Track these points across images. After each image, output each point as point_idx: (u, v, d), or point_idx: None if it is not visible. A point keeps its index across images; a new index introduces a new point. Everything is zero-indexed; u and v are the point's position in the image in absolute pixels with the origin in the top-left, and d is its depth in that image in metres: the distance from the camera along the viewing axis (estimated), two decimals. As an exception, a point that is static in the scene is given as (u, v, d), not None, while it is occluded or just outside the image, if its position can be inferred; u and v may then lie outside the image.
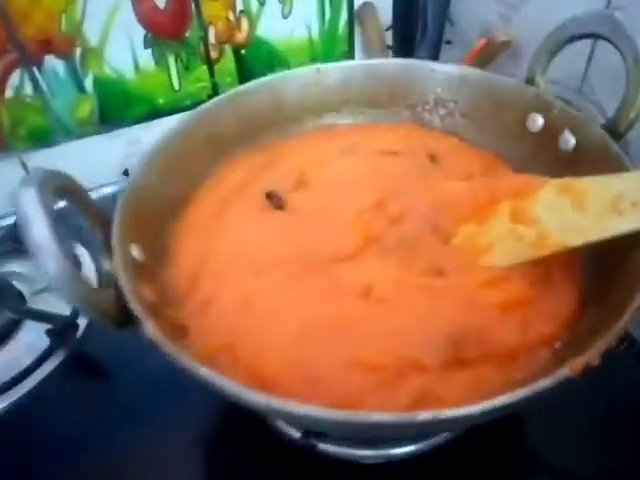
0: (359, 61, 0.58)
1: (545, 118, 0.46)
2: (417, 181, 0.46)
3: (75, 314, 0.52)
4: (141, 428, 0.46)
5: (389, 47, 0.78)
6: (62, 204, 0.34)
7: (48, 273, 0.27)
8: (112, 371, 0.52)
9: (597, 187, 0.35)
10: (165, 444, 0.44)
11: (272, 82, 0.52)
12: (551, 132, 0.45)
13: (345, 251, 0.41)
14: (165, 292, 0.38)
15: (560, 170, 0.43)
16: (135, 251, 0.37)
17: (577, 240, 0.35)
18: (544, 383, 0.26)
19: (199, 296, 0.39)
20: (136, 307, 0.31)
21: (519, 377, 0.33)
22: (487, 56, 0.68)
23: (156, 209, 0.43)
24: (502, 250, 0.39)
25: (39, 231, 0.27)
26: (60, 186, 0.32)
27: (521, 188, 0.40)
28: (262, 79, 0.51)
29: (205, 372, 0.28)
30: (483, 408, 0.26)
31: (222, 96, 0.49)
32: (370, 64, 0.54)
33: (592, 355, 0.27)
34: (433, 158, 0.49)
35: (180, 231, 0.43)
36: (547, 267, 0.37)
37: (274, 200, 0.45)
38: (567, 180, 0.37)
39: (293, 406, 0.26)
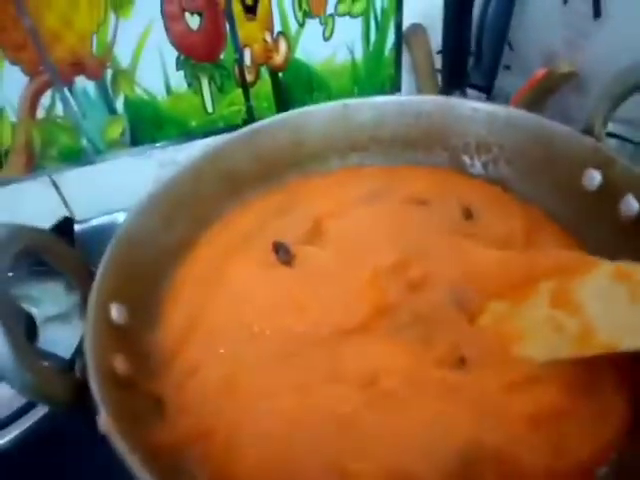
0: (392, 97, 0.53)
1: (604, 176, 0.39)
2: (445, 240, 0.40)
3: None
4: None
5: (438, 71, 0.72)
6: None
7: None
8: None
9: (662, 278, 0.28)
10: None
11: (293, 118, 0.47)
12: (611, 193, 0.38)
13: (353, 322, 0.36)
14: (145, 360, 0.35)
15: (620, 240, 0.36)
16: (116, 312, 0.34)
17: (632, 343, 0.28)
18: None
19: (183, 363, 0.35)
20: (96, 388, 0.28)
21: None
22: (548, 88, 0.60)
23: (151, 258, 0.39)
24: (537, 340, 0.33)
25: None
26: (27, 245, 0.28)
27: (567, 266, 0.33)
28: (281, 115, 0.47)
29: (152, 486, 0.24)
30: None
31: (236, 133, 0.45)
32: (404, 100, 0.49)
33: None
34: (468, 212, 0.42)
35: (175, 284, 0.40)
36: (591, 371, 0.30)
37: (281, 253, 0.40)
38: (625, 265, 0.30)
39: None
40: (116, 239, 0.36)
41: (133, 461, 0.25)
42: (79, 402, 0.28)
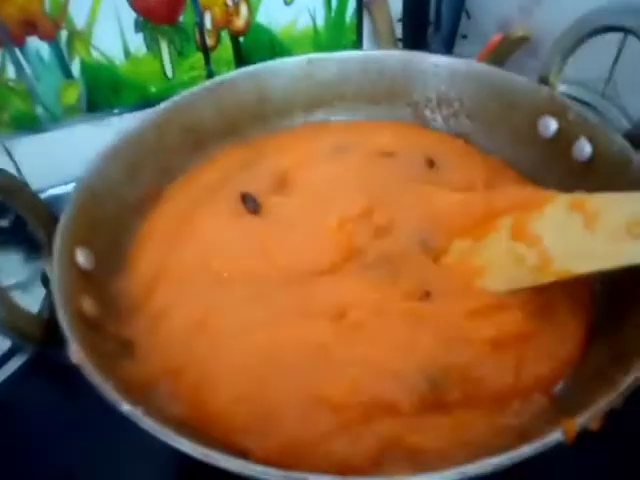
0: (355, 52, 0.54)
1: (559, 123, 0.40)
2: (410, 188, 0.41)
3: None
4: (106, 435, 0.42)
5: (399, 40, 0.73)
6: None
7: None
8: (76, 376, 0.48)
9: (612, 206, 0.30)
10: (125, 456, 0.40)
11: (257, 72, 0.47)
12: (565, 139, 0.40)
13: (322, 265, 0.37)
14: (113, 304, 0.34)
15: (573, 181, 0.38)
16: (81, 256, 0.33)
17: (585, 267, 0.30)
18: (526, 450, 0.21)
19: (152, 308, 0.35)
20: (65, 325, 0.27)
21: (509, 426, 0.28)
22: (504, 52, 0.62)
23: (116, 207, 0.39)
24: (499, 272, 0.34)
25: None
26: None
27: (525, 202, 0.35)
28: (245, 68, 0.47)
29: (127, 409, 0.24)
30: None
31: (200, 86, 0.45)
32: (368, 55, 0.49)
33: (591, 416, 0.22)
34: (431, 162, 0.44)
35: (142, 234, 0.39)
36: (549, 296, 0.32)
37: (249, 203, 0.40)
38: (578, 196, 0.32)
39: (216, 459, 0.22)
40: (79, 186, 0.36)
41: (106, 388, 0.25)
42: (49, 341, 0.28)
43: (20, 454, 0.42)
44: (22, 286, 0.56)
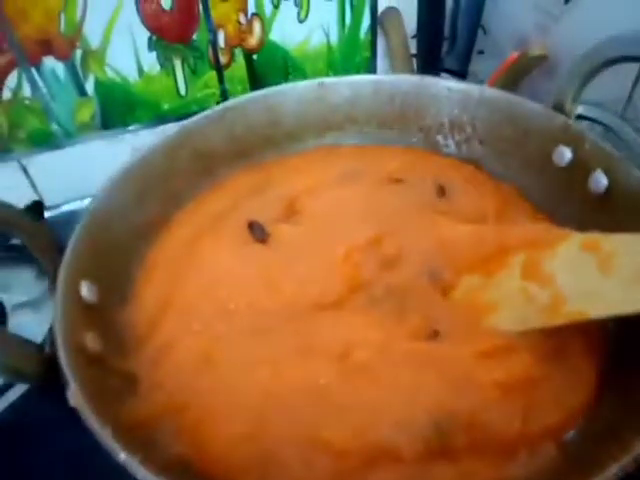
0: (367, 75, 0.53)
1: (574, 153, 0.39)
2: (419, 217, 0.40)
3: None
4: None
5: (413, 56, 0.72)
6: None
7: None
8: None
9: (628, 248, 0.29)
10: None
11: (268, 96, 0.47)
12: (581, 169, 0.39)
13: (327, 297, 0.36)
14: (117, 337, 0.34)
15: (588, 213, 0.37)
16: (85, 289, 0.33)
17: (599, 311, 0.29)
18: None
19: (156, 342, 0.34)
20: (65, 364, 0.27)
21: (516, 477, 0.27)
22: (520, 71, 0.61)
23: (123, 236, 0.39)
24: (509, 311, 0.33)
25: None
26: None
27: (538, 239, 0.34)
28: (256, 93, 0.46)
29: (124, 458, 0.23)
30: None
31: (210, 111, 0.45)
32: (380, 79, 0.49)
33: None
34: (442, 190, 0.43)
35: (148, 262, 0.39)
36: (560, 339, 0.31)
37: (256, 232, 0.40)
38: (592, 236, 0.31)
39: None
40: (87, 215, 0.36)
41: (104, 435, 0.24)
42: (48, 378, 0.28)
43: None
44: (33, 304, 0.57)
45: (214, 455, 0.28)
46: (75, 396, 0.26)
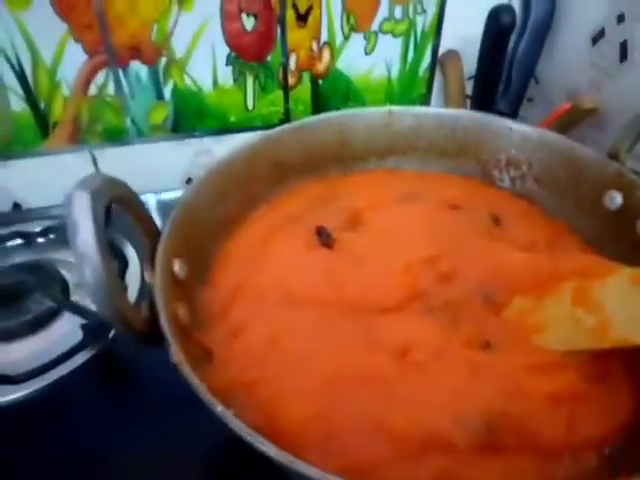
0: (434, 108, 0.57)
1: (625, 198, 0.42)
2: (475, 241, 0.43)
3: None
4: (151, 434, 0.45)
5: (468, 97, 0.77)
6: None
7: (85, 282, 0.27)
8: (135, 375, 0.52)
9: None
10: (171, 454, 0.43)
11: (340, 119, 0.51)
12: (631, 214, 0.42)
13: (387, 302, 0.39)
14: (198, 313, 0.38)
15: (635, 256, 0.39)
16: (177, 266, 0.37)
17: (645, 338, 0.32)
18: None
19: (229, 323, 0.38)
20: (166, 327, 0.31)
21: (559, 476, 0.30)
22: (570, 121, 0.65)
23: (207, 226, 0.42)
24: (557, 332, 0.36)
25: (84, 240, 0.27)
26: (115, 194, 0.32)
27: (589, 269, 0.36)
28: (331, 114, 0.51)
29: (221, 411, 0.27)
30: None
31: (288, 125, 0.49)
32: (444, 112, 0.53)
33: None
34: (496, 220, 0.46)
35: (225, 252, 0.43)
36: (605, 362, 0.34)
37: (324, 236, 0.44)
38: (642, 271, 0.34)
39: (304, 468, 0.24)
40: (180, 204, 0.40)
41: (201, 389, 0.28)
42: (148, 336, 0.31)
43: (67, 443, 0.45)
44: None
45: (284, 429, 0.31)
46: (176, 354, 0.29)
